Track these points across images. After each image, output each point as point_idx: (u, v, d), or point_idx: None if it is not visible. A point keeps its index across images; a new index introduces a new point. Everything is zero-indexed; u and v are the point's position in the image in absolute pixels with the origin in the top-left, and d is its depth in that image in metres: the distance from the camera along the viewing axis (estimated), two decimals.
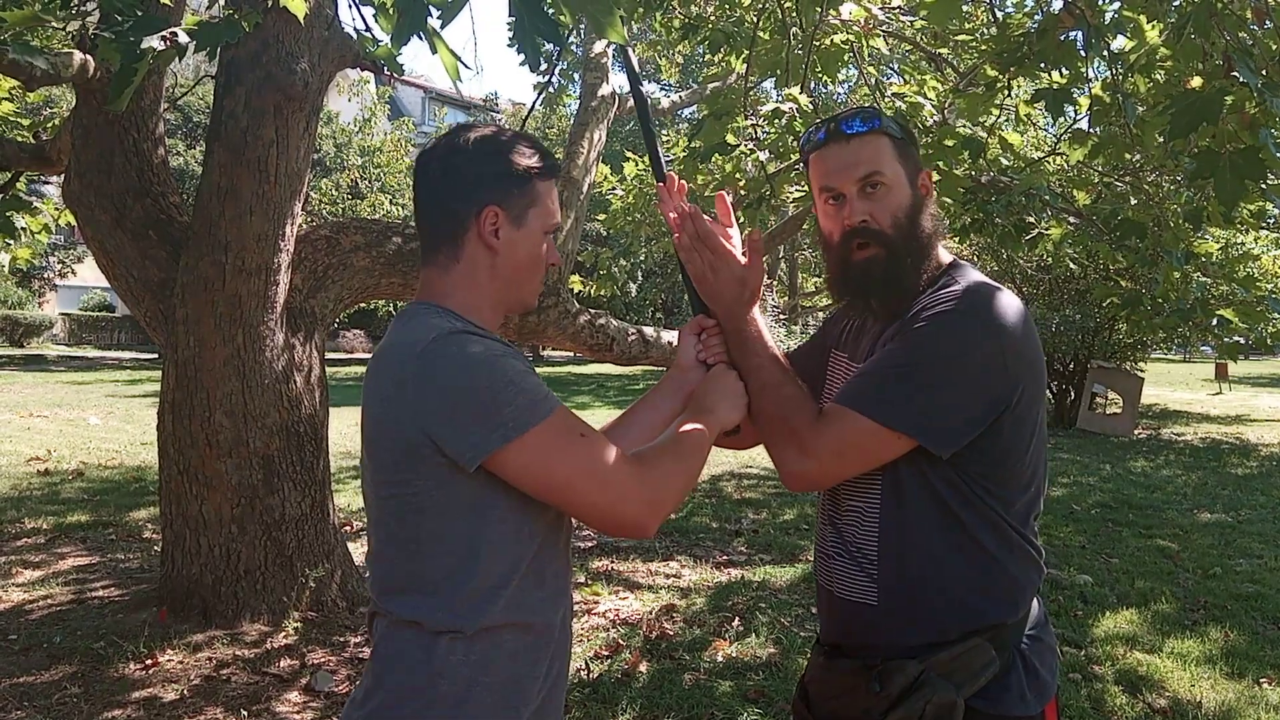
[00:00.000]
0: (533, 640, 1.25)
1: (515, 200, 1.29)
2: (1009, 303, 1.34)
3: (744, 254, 1.46)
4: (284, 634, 3.83)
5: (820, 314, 18.74)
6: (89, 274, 25.97)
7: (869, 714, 1.32)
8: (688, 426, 1.35)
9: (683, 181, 1.51)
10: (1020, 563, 1.37)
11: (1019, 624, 1.36)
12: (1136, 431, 12.22)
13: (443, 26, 1.67)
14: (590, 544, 5.56)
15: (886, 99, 4.70)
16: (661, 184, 1.51)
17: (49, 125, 5.66)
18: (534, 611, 1.25)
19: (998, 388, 1.31)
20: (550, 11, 1.59)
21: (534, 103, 4.94)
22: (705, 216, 1.46)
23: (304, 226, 4.25)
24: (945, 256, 1.46)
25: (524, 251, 1.31)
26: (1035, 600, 1.42)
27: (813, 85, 4.81)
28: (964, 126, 4.48)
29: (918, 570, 1.35)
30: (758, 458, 8.55)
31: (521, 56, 1.70)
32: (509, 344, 1.23)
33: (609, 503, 1.21)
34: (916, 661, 1.31)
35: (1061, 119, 3.77)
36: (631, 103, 6.71)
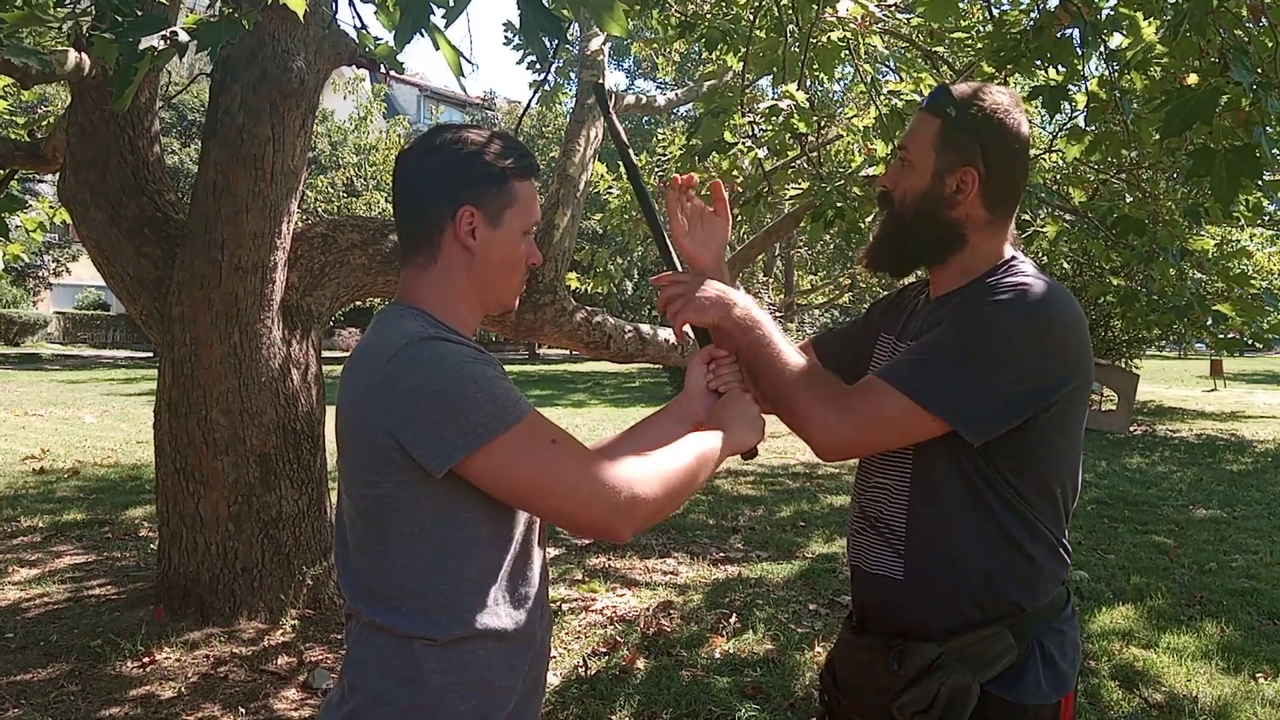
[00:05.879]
0: (509, 648, 1.25)
1: (492, 200, 1.28)
2: (1061, 300, 1.34)
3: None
4: (281, 631, 3.83)
5: (816, 312, 18.72)
6: (84, 272, 25.90)
7: (885, 692, 1.34)
8: (693, 439, 1.33)
9: (691, 175, 1.57)
10: (1045, 552, 1.37)
11: (1040, 612, 1.37)
12: (1132, 428, 12.24)
13: (447, 24, 1.66)
14: (587, 541, 5.56)
15: (883, 96, 4.70)
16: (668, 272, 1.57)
17: (44, 123, 5.64)
18: (510, 619, 1.25)
19: (1036, 382, 1.31)
20: (551, 7, 1.59)
21: (530, 100, 4.93)
22: (698, 200, 1.57)
23: (300, 224, 4.24)
24: (1008, 251, 1.45)
25: (501, 252, 1.30)
26: (1065, 595, 1.43)
27: (809, 83, 4.81)
28: None
29: (944, 545, 1.37)
30: None
31: (519, 55, 1.71)
32: (481, 349, 1.22)
33: (578, 507, 1.19)
34: (935, 644, 1.33)
35: (1058, 116, 3.78)
36: (630, 100, 6.69)
